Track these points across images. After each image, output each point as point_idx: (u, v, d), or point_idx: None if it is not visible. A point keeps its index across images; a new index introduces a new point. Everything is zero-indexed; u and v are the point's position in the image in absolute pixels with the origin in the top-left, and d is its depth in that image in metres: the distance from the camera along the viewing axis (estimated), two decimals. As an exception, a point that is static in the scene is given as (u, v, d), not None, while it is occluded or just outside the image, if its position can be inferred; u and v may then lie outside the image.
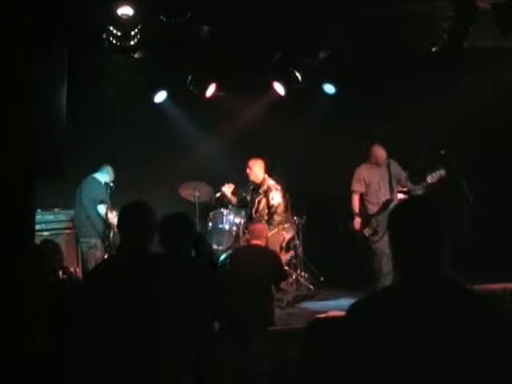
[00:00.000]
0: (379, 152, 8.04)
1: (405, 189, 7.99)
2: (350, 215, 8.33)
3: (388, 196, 7.85)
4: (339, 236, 9.40)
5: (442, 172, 7.60)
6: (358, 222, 7.90)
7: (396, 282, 2.30)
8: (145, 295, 3.21)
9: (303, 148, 9.89)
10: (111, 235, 7.88)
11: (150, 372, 3.13)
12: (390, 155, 8.15)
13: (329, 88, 9.74)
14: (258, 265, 5.79)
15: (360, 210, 7.98)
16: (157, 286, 3.27)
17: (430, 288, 2.16)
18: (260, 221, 7.73)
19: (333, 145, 9.36)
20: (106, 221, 7.93)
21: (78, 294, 3.53)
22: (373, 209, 7.86)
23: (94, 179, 8.23)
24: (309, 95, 9.90)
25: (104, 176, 8.33)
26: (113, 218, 7.90)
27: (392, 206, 7.54)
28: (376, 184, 7.94)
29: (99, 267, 3.89)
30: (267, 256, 6.13)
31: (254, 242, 6.16)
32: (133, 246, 3.44)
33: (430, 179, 7.63)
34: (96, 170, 8.38)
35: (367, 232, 7.89)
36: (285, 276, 6.71)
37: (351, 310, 2.24)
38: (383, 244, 7.57)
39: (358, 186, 7.98)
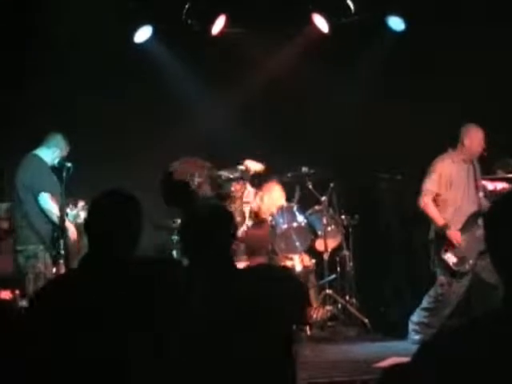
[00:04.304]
0: (476, 137, 6.60)
1: (499, 176, 7.07)
2: (415, 223, 7.43)
3: (473, 206, 6.63)
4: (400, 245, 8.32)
5: None
6: (457, 235, 6.48)
7: (493, 312, 1.83)
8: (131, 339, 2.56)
9: (353, 114, 8.29)
10: (63, 240, 6.61)
11: None
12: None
13: (396, 23, 8.24)
14: None
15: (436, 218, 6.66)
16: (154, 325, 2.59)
17: None
18: None
19: (395, 109, 7.84)
20: (60, 218, 6.56)
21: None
22: (450, 220, 6.65)
23: (35, 157, 6.75)
24: (365, 34, 8.40)
25: (51, 151, 6.78)
26: (73, 215, 6.74)
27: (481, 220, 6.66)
28: (460, 187, 6.70)
29: (50, 289, 3.03)
30: None
31: None
32: (109, 256, 2.78)
33: None
34: (39, 143, 6.94)
35: (450, 259, 6.48)
36: None
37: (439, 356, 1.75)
38: (467, 279, 6.44)
39: (434, 186, 6.60)
